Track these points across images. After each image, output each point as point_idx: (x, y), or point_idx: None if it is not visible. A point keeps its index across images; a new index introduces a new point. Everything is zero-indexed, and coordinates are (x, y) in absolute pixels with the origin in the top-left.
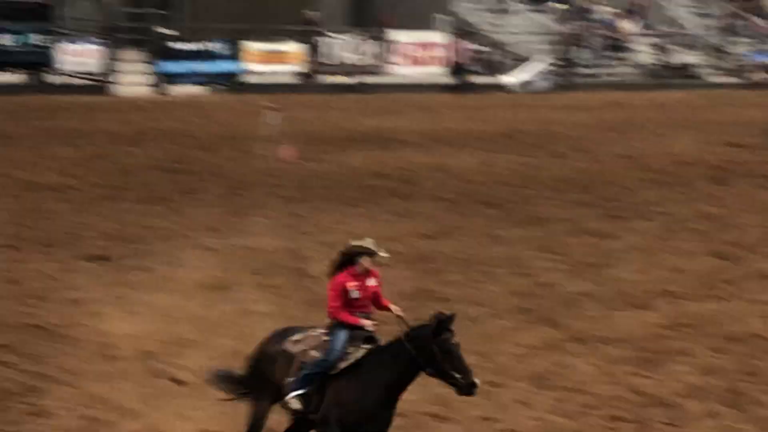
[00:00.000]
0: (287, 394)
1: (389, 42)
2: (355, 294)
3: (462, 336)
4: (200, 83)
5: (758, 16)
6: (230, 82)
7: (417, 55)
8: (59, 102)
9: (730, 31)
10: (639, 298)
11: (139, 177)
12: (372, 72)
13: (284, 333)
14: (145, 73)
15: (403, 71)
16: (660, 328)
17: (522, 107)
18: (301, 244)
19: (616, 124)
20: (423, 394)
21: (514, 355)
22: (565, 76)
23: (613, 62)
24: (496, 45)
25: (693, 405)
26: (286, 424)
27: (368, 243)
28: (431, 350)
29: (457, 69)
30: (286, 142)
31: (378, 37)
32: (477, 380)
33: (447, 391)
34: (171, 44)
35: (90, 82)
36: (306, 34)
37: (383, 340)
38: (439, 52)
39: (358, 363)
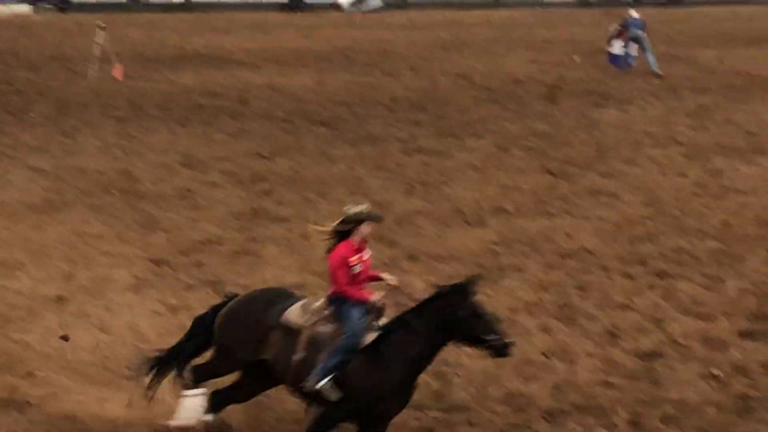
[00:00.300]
0: (312, 379)
1: None
2: (357, 269)
3: (298, 256)
4: (26, 2)
5: None
6: (56, 1)
7: None
8: None
9: None
10: (472, 215)
11: None
12: None
13: (266, 302)
14: None
15: None
16: (493, 244)
17: (355, 26)
18: (133, 164)
19: (449, 43)
20: None
21: None
22: None
23: None
24: None
25: (526, 320)
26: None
27: (367, 208)
28: (461, 317)
29: None
30: (117, 62)
31: None
32: (512, 340)
33: None
34: None
35: None
36: None
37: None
38: None
39: (377, 340)
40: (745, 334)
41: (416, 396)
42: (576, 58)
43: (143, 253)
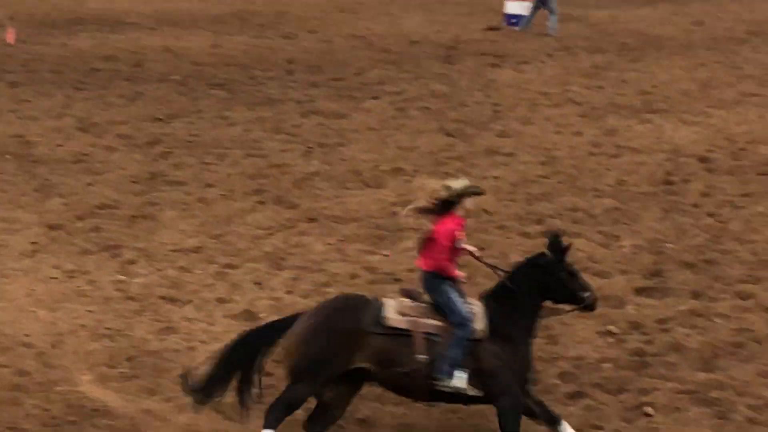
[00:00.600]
0: (445, 377)
1: None
2: (460, 243)
3: (195, 219)
4: None
5: None
6: None
7: None
8: None
9: None
10: (371, 176)
11: None
12: None
13: (347, 310)
14: None
15: None
16: (392, 205)
17: None
18: (28, 129)
19: (346, 5)
20: (155, 277)
21: (248, 236)
22: None
23: None
24: None
25: None
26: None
27: (466, 182)
28: (563, 278)
29: None
30: (8, 26)
31: None
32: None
33: (178, 273)
34: None
35: None
36: None
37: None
38: None
39: (492, 318)
40: (640, 291)
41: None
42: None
43: (39, 218)
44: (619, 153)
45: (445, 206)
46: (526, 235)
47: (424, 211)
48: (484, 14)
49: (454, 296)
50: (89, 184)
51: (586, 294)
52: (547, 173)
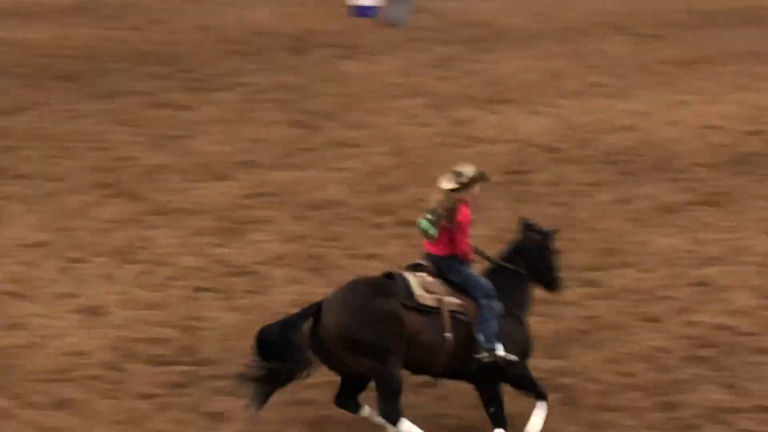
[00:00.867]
0: (485, 351)
1: None
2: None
3: (41, 214)
4: None
5: None
6: None
7: None
8: None
9: None
10: (220, 168)
11: None
12: None
13: (379, 290)
14: None
15: None
16: (241, 198)
17: None
18: None
19: None
20: None
21: (94, 230)
22: None
23: None
24: None
25: (276, 272)
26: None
27: (473, 167)
28: (552, 259)
29: None
30: None
31: None
32: None
33: (23, 268)
34: None
35: None
36: None
37: None
38: None
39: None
40: None
41: (164, 350)
42: None
43: None
44: (468, 143)
45: (461, 192)
46: (377, 226)
47: (454, 194)
48: (334, 6)
49: (472, 273)
50: None
51: (560, 274)
52: (397, 164)
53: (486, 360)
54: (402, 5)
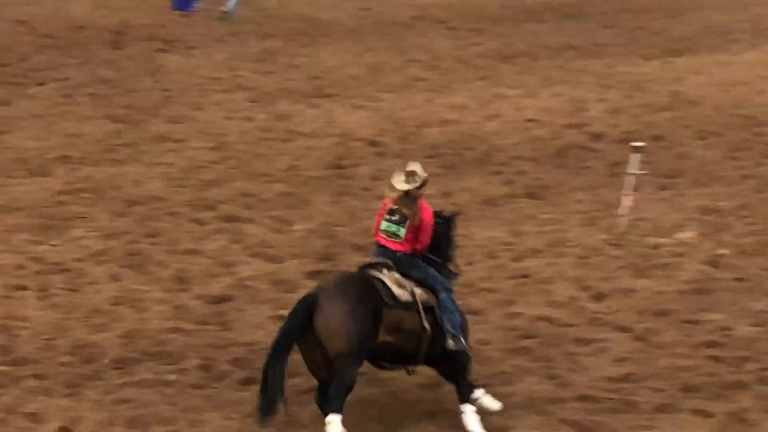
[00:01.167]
0: (452, 341)
1: None
2: None
3: None
4: None
5: None
6: None
7: None
8: None
9: None
10: (36, 164)
11: None
12: None
13: (370, 287)
14: None
15: None
16: (59, 194)
17: None
18: None
19: None
20: None
21: None
22: None
23: None
24: None
25: (94, 269)
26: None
27: (421, 166)
28: (454, 245)
29: None
30: None
31: None
32: None
33: None
34: None
35: None
36: None
37: None
38: None
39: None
40: (312, 275)
41: None
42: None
43: None
44: (290, 138)
45: (420, 190)
46: (197, 221)
47: (415, 193)
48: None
49: (431, 268)
50: None
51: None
52: (219, 159)
53: (454, 348)
54: None
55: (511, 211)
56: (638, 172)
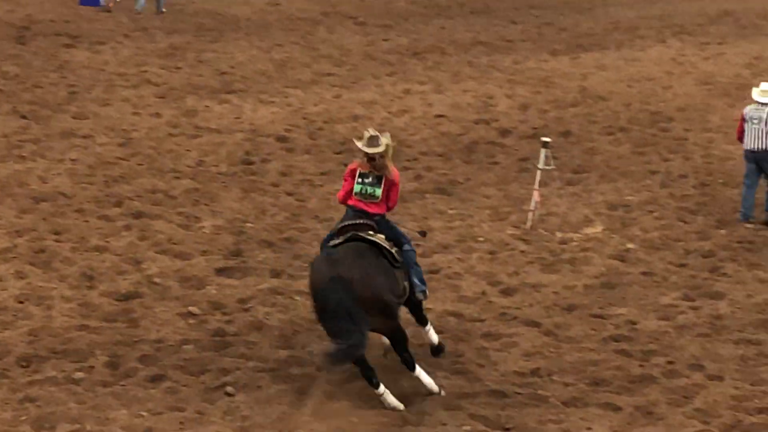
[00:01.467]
0: (419, 292)
1: None
2: None
3: None
4: None
5: None
6: None
7: None
8: None
9: None
10: None
11: None
12: None
13: (378, 248)
14: None
15: None
16: None
17: None
18: None
19: None
20: None
21: None
22: None
23: None
24: None
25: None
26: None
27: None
28: None
29: None
30: None
31: None
32: None
33: None
34: None
35: None
36: None
37: None
38: None
39: None
40: (221, 271)
41: None
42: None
43: None
44: (198, 133)
45: (387, 152)
46: (104, 217)
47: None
48: None
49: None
50: None
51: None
52: (126, 155)
53: (421, 299)
54: None
55: (421, 206)
56: (546, 167)
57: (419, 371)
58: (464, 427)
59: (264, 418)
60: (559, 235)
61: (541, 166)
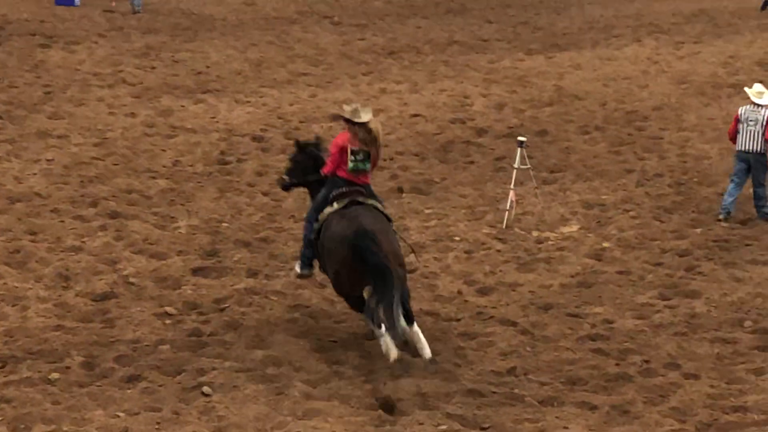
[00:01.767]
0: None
1: None
2: None
3: None
4: None
5: None
6: None
7: None
8: None
9: None
10: None
11: None
12: None
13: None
14: None
15: None
16: None
17: None
18: None
19: None
20: None
21: None
22: None
23: None
24: None
25: None
26: None
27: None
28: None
29: None
30: None
31: None
32: None
33: None
34: None
35: None
36: None
37: None
38: None
39: None
40: (197, 271)
41: None
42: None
43: None
44: (173, 133)
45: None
46: (80, 218)
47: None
48: None
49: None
50: None
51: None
52: (101, 155)
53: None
54: None
55: (397, 206)
56: (523, 166)
57: (417, 329)
58: (441, 427)
59: (240, 418)
60: (535, 234)
61: (517, 165)
